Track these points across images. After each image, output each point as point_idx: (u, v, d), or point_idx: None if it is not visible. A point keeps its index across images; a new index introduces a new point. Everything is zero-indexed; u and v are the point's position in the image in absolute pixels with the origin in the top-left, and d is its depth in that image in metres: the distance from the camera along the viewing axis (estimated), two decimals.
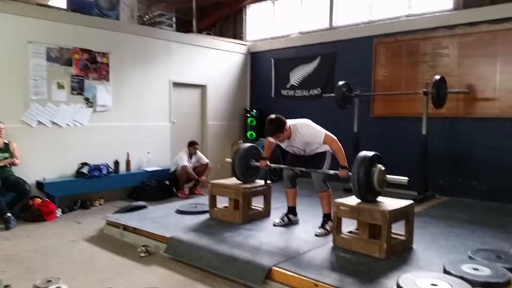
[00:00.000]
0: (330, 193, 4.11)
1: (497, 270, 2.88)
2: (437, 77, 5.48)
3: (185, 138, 6.99)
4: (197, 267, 3.55)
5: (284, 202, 4.56)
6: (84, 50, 6.06)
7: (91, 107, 6.17)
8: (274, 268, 3.13)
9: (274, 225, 4.30)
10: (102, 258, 3.87)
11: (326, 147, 4.03)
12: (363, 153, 3.58)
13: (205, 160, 6.88)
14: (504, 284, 2.74)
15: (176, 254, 3.75)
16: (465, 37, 5.86)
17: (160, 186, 6.45)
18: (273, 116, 3.93)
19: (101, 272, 3.52)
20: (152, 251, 3.98)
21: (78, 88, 6.03)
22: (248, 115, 8.32)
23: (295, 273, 3.02)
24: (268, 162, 4.39)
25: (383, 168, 3.50)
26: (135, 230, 4.31)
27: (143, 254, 3.87)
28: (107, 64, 6.33)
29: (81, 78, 6.06)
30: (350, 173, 3.61)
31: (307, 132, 3.94)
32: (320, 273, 3.02)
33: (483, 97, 5.74)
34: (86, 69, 6.10)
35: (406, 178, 3.45)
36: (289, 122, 4.00)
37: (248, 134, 8.29)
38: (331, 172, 3.96)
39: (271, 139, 4.22)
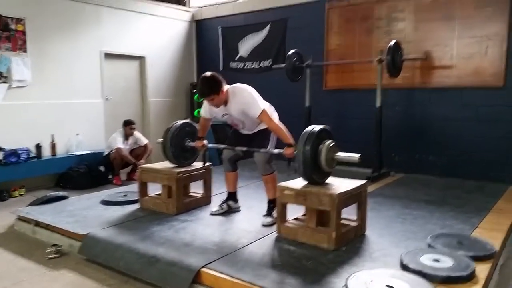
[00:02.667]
0: (276, 176, 3.59)
1: (459, 260, 2.49)
2: (392, 42, 5.04)
3: (122, 117, 6.22)
4: (116, 269, 2.96)
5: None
6: None
7: (5, 82, 5.31)
8: (204, 269, 2.59)
9: (211, 214, 3.75)
10: (1, 263, 3.19)
11: None
12: (309, 128, 3.07)
13: (144, 140, 6.19)
14: (468, 277, 2.35)
15: (91, 254, 3.13)
16: None
17: (92, 172, 5.72)
18: (208, 73, 3.35)
19: None
20: (66, 251, 3.34)
21: None
22: (195, 90, 7.62)
23: (227, 275, 2.50)
24: (205, 142, 3.82)
25: (332, 145, 3.00)
26: (47, 227, 3.64)
27: (52, 256, 3.22)
28: (23, 32, 5.44)
29: None
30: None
31: (243, 99, 3.35)
32: (258, 273, 2.51)
33: (440, 65, 5.37)
34: None
35: (358, 155, 2.97)
36: (228, 86, 3.43)
37: (196, 112, 7.61)
38: (275, 151, 3.43)
39: (205, 113, 3.67)
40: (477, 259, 2.58)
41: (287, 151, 3.23)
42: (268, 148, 3.50)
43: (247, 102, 3.34)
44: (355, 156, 2.98)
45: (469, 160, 5.24)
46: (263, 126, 3.54)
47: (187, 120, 4.14)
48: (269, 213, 3.53)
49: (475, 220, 3.52)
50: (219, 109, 3.48)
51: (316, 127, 3.03)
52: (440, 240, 2.88)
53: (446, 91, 5.35)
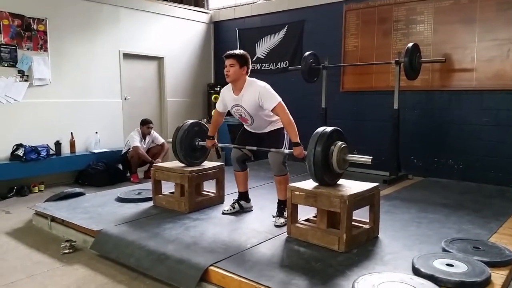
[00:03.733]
0: (288, 177, 3.55)
1: (474, 266, 2.41)
2: (410, 44, 4.95)
3: (140, 116, 6.32)
4: (127, 266, 2.98)
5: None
6: (14, 15, 5.28)
7: (26, 81, 5.44)
8: (212, 268, 2.59)
9: (223, 213, 3.75)
10: (18, 257, 3.26)
11: (278, 124, 3.47)
12: (321, 128, 3.04)
13: (161, 140, 6.25)
14: (482, 283, 2.27)
15: (104, 250, 3.17)
16: (441, 1, 5.31)
17: (110, 169, 5.80)
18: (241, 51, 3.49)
19: (10, 275, 2.92)
20: (80, 247, 3.39)
21: (9, 59, 5.28)
22: (212, 91, 7.66)
23: (235, 274, 2.49)
24: (216, 141, 3.86)
25: (343, 146, 2.96)
26: (63, 222, 3.70)
27: (66, 251, 3.27)
28: (45, 32, 5.57)
29: (13, 47, 5.30)
30: (305, 152, 3.07)
31: (259, 89, 3.34)
32: (265, 273, 2.49)
33: (460, 68, 5.25)
34: (18, 37, 5.33)
35: (370, 157, 2.93)
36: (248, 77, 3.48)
37: (213, 112, 7.65)
38: (286, 151, 3.41)
39: (219, 106, 3.70)
40: (493, 265, 2.50)
41: (296, 151, 3.21)
42: (283, 148, 3.47)
43: (263, 94, 3.32)
44: (367, 158, 2.93)
45: (489, 165, 5.10)
46: (273, 127, 3.52)
47: (197, 120, 4.16)
48: (280, 214, 3.50)
49: (493, 225, 3.42)
50: (231, 98, 3.48)
51: (328, 128, 3.00)
52: (455, 244, 2.80)
53: (466, 94, 5.23)
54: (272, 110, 3.31)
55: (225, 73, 3.45)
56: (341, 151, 2.92)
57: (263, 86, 3.39)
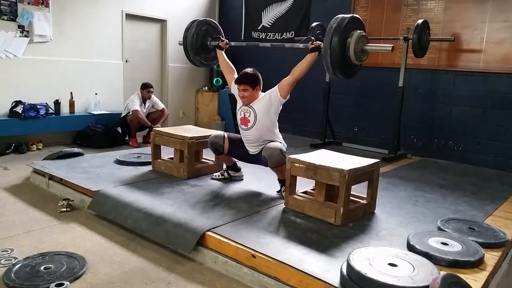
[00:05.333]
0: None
1: (468, 246, 2.44)
2: (420, 21, 4.84)
3: (141, 80, 6.21)
4: (124, 227, 3.01)
5: None
6: None
7: (26, 36, 5.33)
8: (208, 233, 2.60)
9: (211, 178, 3.80)
10: (15, 212, 3.28)
11: (279, 140, 3.46)
12: (338, 16, 2.94)
13: (161, 105, 6.20)
14: (475, 263, 2.30)
15: (101, 211, 3.18)
16: None
17: (108, 132, 5.77)
18: (251, 70, 3.43)
19: (8, 229, 2.94)
20: (77, 206, 3.41)
21: (9, 13, 5.15)
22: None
23: (231, 240, 2.51)
24: (227, 41, 3.88)
25: (362, 34, 2.85)
26: (61, 181, 3.71)
27: (63, 209, 3.29)
28: None
29: (13, 1, 5.16)
30: (320, 43, 3.05)
31: (272, 90, 3.40)
32: (261, 241, 2.51)
33: (468, 48, 5.16)
34: None
35: (391, 45, 2.88)
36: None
37: (214, 80, 7.57)
38: (301, 45, 3.42)
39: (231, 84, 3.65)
40: (487, 246, 2.52)
41: (312, 45, 3.22)
42: (279, 141, 3.41)
43: (272, 90, 3.39)
44: (387, 46, 2.88)
45: (489, 148, 5.10)
46: (270, 137, 3.43)
47: (202, 18, 4.14)
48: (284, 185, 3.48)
49: (489, 208, 3.44)
50: (241, 102, 3.48)
51: (345, 16, 2.89)
52: (450, 224, 2.82)
53: (472, 75, 5.17)
54: (284, 82, 3.32)
55: (240, 97, 3.43)
56: (359, 40, 2.83)
57: (272, 89, 3.42)
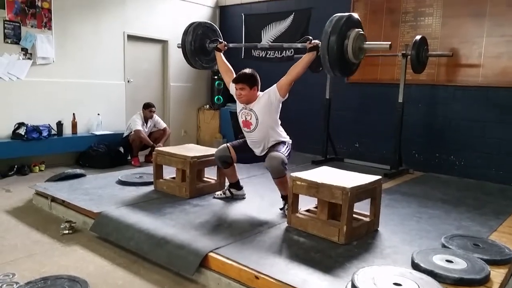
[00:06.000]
0: (287, 177, 3.37)
1: (474, 263, 2.41)
2: (418, 37, 4.90)
3: (143, 100, 6.24)
4: (126, 249, 2.99)
5: (242, 174, 4.02)
6: None
7: (29, 59, 5.39)
8: (211, 254, 2.59)
9: (214, 197, 3.78)
10: (17, 235, 3.27)
11: (282, 137, 3.48)
12: (335, 15, 2.96)
13: (163, 124, 6.23)
14: (481, 280, 2.27)
15: (103, 232, 3.17)
16: None
17: (111, 152, 5.79)
18: (249, 70, 3.45)
19: (9, 253, 2.93)
20: (79, 228, 3.40)
21: (13, 36, 5.22)
22: (216, 77, 7.59)
23: (234, 261, 2.49)
24: (225, 43, 3.87)
25: (360, 33, 2.86)
26: (63, 203, 3.71)
27: (66, 232, 3.28)
28: (49, 10, 5.50)
29: (17, 24, 5.24)
30: (318, 42, 3.08)
31: (270, 90, 3.41)
32: (265, 261, 2.49)
33: (466, 63, 5.20)
34: (22, 14, 5.27)
35: (389, 42, 2.89)
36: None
37: (215, 98, 7.61)
38: (299, 45, 3.45)
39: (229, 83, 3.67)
40: (493, 263, 2.50)
41: (310, 44, 3.25)
42: (282, 151, 3.35)
43: (271, 90, 3.40)
44: (385, 44, 2.89)
45: (491, 162, 5.09)
46: (276, 138, 3.46)
47: (197, 21, 4.17)
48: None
49: (493, 223, 3.42)
50: (240, 105, 3.50)
51: (343, 15, 2.91)
52: (455, 241, 2.80)
53: (471, 90, 5.19)
54: (282, 82, 3.34)
55: (237, 96, 3.46)
56: (357, 39, 2.82)
57: (270, 89, 3.44)
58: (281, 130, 3.52)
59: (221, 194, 3.84)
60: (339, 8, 6.09)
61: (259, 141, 3.48)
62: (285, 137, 3.52)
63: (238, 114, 3.58)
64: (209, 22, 4.25)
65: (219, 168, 4.07)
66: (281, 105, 3.46)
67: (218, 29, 4.26)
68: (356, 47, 2.86)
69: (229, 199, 3.80)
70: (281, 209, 3.47)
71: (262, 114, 3.40)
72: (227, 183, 3.93)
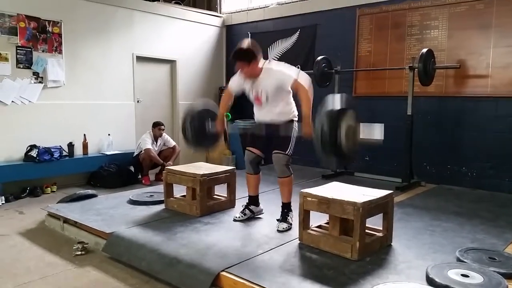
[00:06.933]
0: (292, 179, 3.53)
1: (490, 277, 2.37)
2: (424, 50, 4.91)
3: (152, 119, 6.33)
4: (138, 269, 2.99)
5: None
6: (30, 18, 5.35)
7: (41, 82, 5.50)
8: (223, 273, 2.58)
9: (234, 220, 3.71)
10: (30, 257, 3.30)
11: (292, 115, 3.47)
12: (328, 102, 2.90)
13: (172, 142, 6.28)
14: None
15: (115, 253, 3.18)
16: (456, 6, 5.26)
17: (122, 172, 5.84)
18: (246, 43, 3.37)
19: (23, 276, 2.95)
20: (92, 249, 3.41)
21: (25, 61, 5.35)
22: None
23: (246, 280, 2.48)
24: (224, 124, 3.79)
25: (353, 127, 2.88)
26: (76, 224, 3.73)
27: (78, 253, 3.30)
28: (59, 35, 5.64)
29: (29, 49, 5.37)
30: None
31: (278, 76, 3.33)
32: (277, 280, 2.47)
33: (474, 74, 5.19)
34: (34, 39, 5.40)
35: (381, 137, 2.86)
36: (265, 62, 3.44)
37: (224, 92, 7.65)
38: (295, 134, 3.42)
39: (231, 86, 3.66)
40: (510, 277, 2.45)
41: (305, 129, 3.19)
42: (287, 152, 3.42)
43: (280, 79, 3.34)
44: (378, 136, 2.88)
45: (503, 173, 5.02)
46: (285, 117, 3.45)
47: (201, 109, 3.89)
48: (284, 219, 3.50)
49: (509, 235, 3.35)
50: (248, 81, 3.46)
51: (336, 105, 2.89)
52: (470, 254, 2.76)
53: (480, 101, 5.17)
54: (298, 84, 3.30)
55: (240, 74, 3.49)
56: (349, 137, 2.85)
57: (279, 70, 3.38)
58: (291, 102, 3.48)
59: (241, 216, 3.71)
60: (344, 24, 6.22)
61: (272, 109, 3.45)
62: (294, 110, 3.49)
63: (246, 90, 3.53)
64: (201, 104, 3.99)
65: (229, 185, 4.09)
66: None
67: (213, 107, 3.99)
68: (350, 142, 2.87)
69: (249, 218, 3.73)
70: (277, 220, 3.48)
71: (272, 92, 3.38)
72: (242, 205, 3.83)
